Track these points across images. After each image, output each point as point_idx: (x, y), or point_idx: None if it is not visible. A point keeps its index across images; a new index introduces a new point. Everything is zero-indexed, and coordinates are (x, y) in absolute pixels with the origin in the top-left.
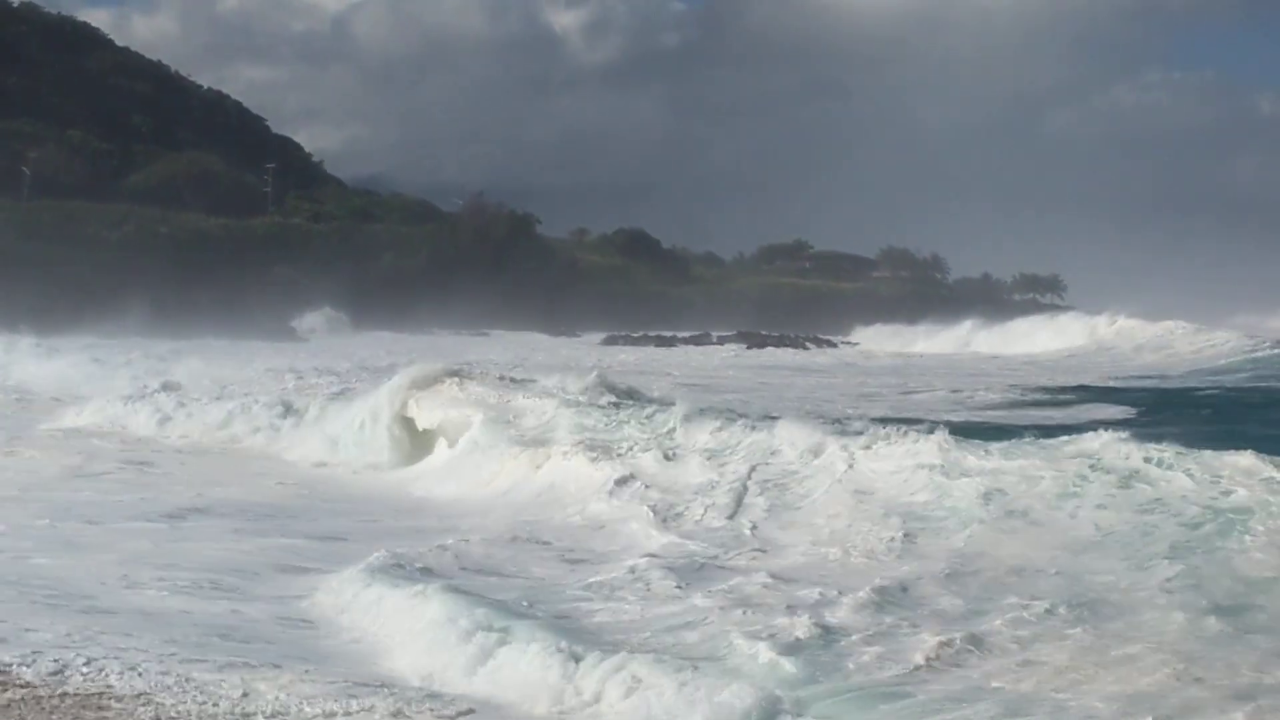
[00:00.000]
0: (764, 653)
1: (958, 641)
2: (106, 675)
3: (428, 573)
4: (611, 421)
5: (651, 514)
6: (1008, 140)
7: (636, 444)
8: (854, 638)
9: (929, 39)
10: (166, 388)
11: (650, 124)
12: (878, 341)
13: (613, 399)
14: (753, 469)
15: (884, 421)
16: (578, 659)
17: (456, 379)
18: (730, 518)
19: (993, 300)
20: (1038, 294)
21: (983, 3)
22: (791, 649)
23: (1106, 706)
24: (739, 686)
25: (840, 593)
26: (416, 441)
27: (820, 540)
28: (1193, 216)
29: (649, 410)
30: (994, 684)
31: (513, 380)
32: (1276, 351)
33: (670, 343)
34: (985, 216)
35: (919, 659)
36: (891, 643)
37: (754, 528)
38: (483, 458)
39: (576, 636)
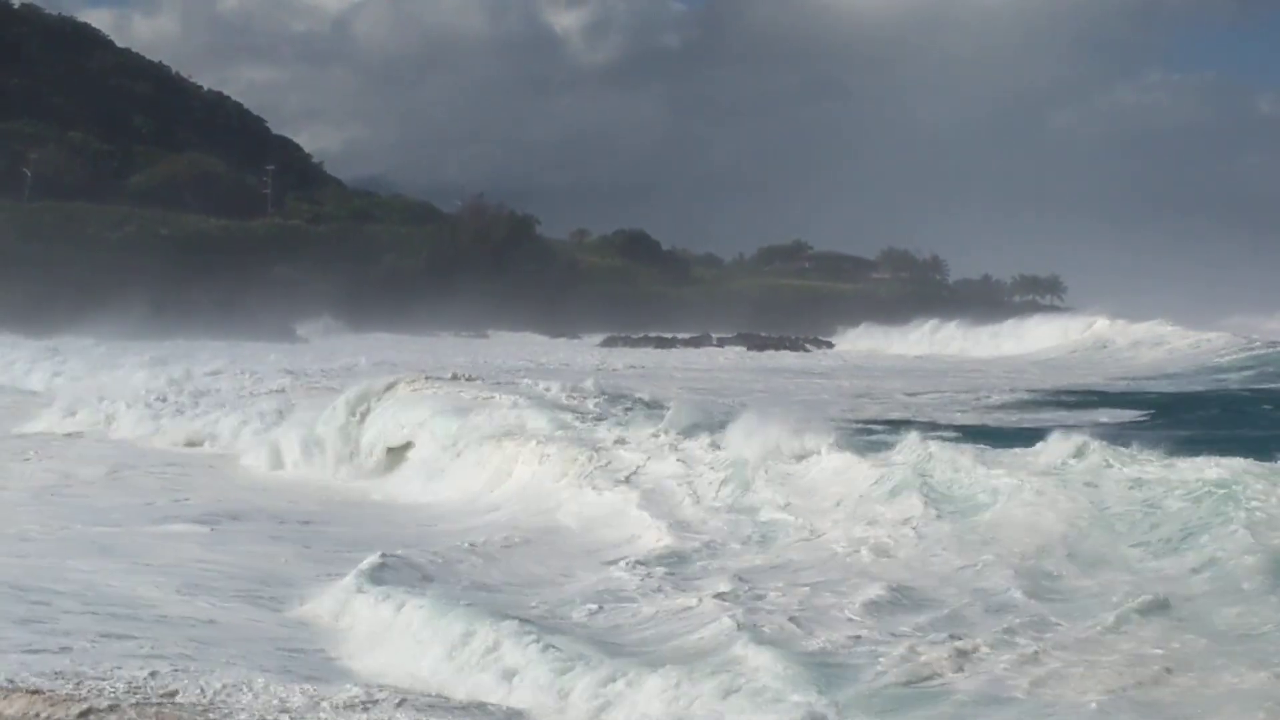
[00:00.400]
0: (785, 660)
1: (981, 646)
2: (186, 686)
3: (435, 581)
4: (607, 423)
5: (653, 515)
6: (1008, 141)
7: (633, 445)
8: (872, 641)
9: (929, 39)
10: (164, 389)
11: (650, 124)
12: (854, 342)
13: (608, 402)
14: (753, 468)
15: (886, 423)
16: (615, 673)
17: (439, 382)
18: (733, 518)
19: (992, 301)
20: (1037, 295)
21: (983, 3)
22: (812, 655)
23: (1138, 717)
24: (776, 703)
25: (853, 592)
26: (400, 448)
27: (826, 538)
28: (1193, 217)
29: (645, 412)
30: (1016, 693)
31: (503, 383)
32: (1270, 351)
33: (670, 344)
34: (986, 217)
35: (940, 663)
36: (909, 646)
37: (758, 527)
38: (473, 461)
39: (600, 646)
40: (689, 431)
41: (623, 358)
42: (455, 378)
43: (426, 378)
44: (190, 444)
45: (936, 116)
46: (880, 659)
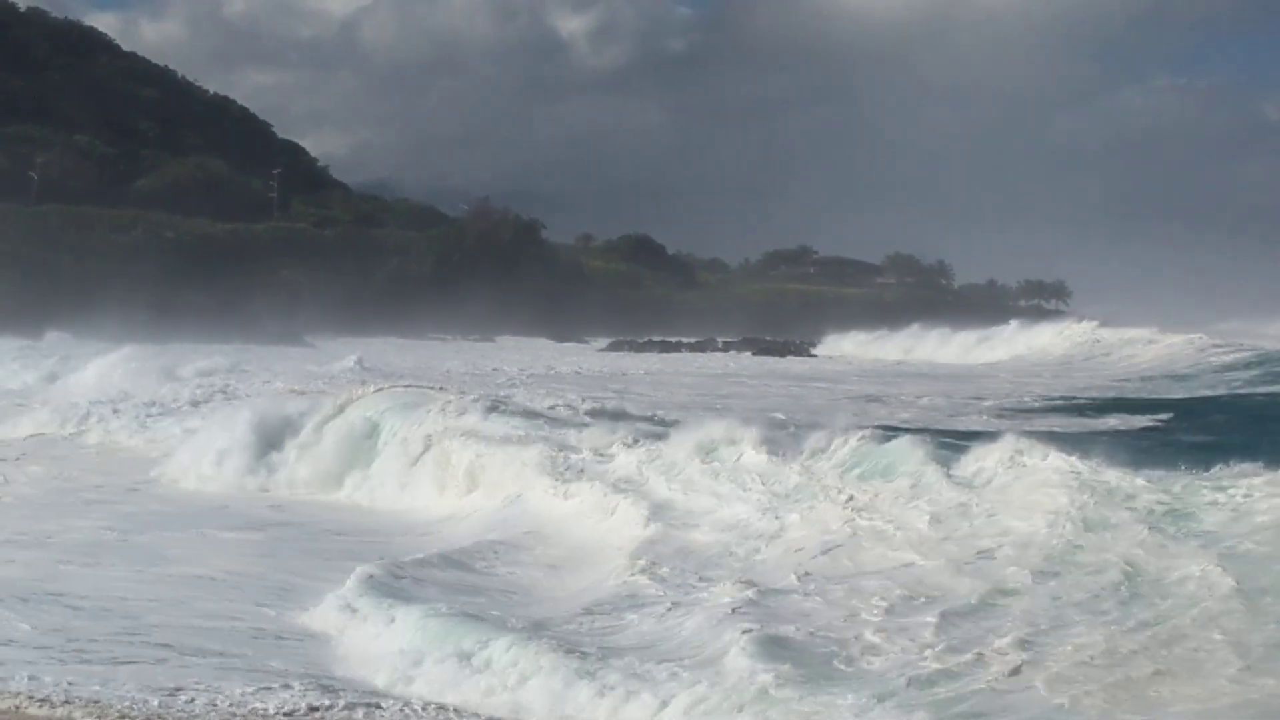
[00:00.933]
0: (797, 662)
1: (998, 644)
2: (281, 699)
3: (436, 587)
4: (602, 432)
5: (653, 517)
6: (1014, 145)
7: (629, 458)
8: (887, 640)
9: (935, 44)
10: (160, 393)
11: (656, 129)
12: (831, 347)
13: (600, 411)
14: (748, 472)
15: (881, 428)
16: (631, 683)
17: (417, 390)
18: (729, 509)
19: (997, 306)
20: (1043, 300)
21: (990, 7)
22: (832, 669)
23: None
24: (793, 709)
25: (865, 590)
26: (374, 454)
27: (829, 542)
28: (1199, 222)
29: (639, 421)
30: (1035, 693)
31: (494, 396)
32: (1241, 356)
33: (674, 348)
34: (991, 222)
35: (959, 663)
36: (924, 644)
37: (756, 516)
38: (453, 463)
39: (611, 652)
40: (687, 436)
41: (632, 363)
42: (442, 388)
43: (406, 386)
44: (158, 454)
45: (942, 121)
46: (895, 659)
